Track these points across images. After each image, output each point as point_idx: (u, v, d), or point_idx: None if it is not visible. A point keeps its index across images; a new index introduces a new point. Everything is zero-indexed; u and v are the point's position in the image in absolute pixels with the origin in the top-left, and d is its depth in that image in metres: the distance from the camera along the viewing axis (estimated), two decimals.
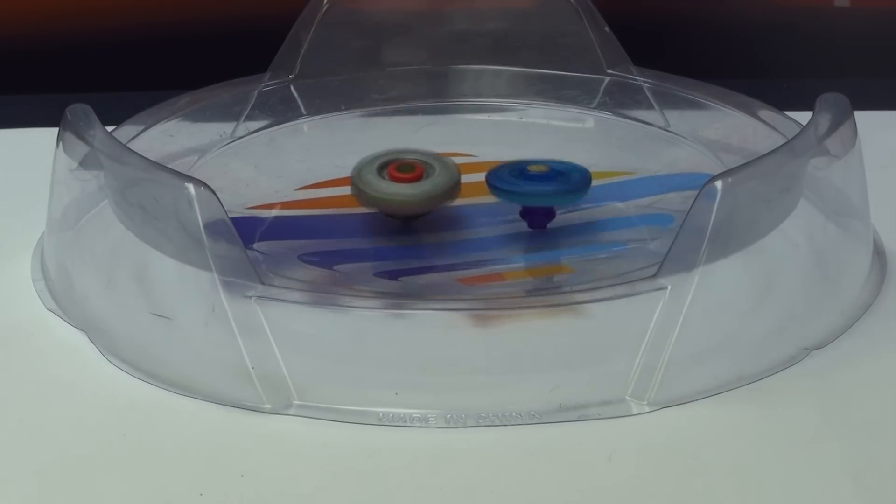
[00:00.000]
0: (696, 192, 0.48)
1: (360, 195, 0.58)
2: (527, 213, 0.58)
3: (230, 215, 0.49)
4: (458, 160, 0.63)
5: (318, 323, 0.50)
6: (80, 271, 0.55)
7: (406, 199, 0.57)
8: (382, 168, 0.58)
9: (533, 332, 0.50)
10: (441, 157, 0.59)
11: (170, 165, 0.55)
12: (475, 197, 0.60)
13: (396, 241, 0.58)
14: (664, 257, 0.48)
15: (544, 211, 0.58)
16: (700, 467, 0.45)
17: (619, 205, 0.61)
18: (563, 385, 0.48)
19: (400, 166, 0.58)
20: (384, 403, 0.47)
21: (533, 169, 0.58)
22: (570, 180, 0.58)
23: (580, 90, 0.69)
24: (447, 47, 0.70)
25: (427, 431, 0.47)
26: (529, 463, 0.45)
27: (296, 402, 0.48)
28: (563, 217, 0.59)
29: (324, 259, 0.56)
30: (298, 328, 0.49)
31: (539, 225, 0.58)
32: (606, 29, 0.69)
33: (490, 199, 0.60)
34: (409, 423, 0.47)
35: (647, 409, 0.48)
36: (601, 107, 0.68)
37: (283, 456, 0.46)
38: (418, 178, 0.58)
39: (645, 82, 0.68)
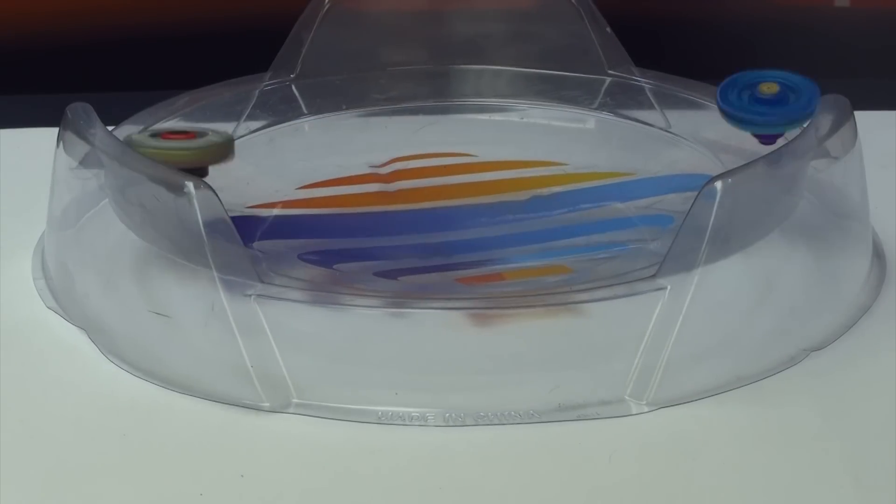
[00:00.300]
0: (697, 193, 0.48)
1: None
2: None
3: (230, 214, 0.49)
4: (458, 160, 0.63)
5: (318, 322, 0.50)
6: (81, 270, 0.55)
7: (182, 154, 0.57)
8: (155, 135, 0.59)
9: (532, 332, 0.50)
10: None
11: None
12: (475, 197, 0.60)
13: (397, 240, 0.58)
14: (664, 258, 0.48)
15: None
16: (699, 467, 0.45)
17: (620, 205, 0.61)
18: (563, 385, 0.48)
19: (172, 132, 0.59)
20: (383, 402, 0.47)
21: (765, 90, 0.58)
22: (800, 101, 0.57)
23: (581, 90, 0.69)
24: (448, 47, 0.70)
25: (426, 430, 0.47)
26: (528, 462, 0.45)
27: (295, 400, 0.48)
28: (563, 217, 0.59)
29: (324, 258, 0.56)
30: (298, 327, 0.49)
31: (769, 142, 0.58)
32: (608, 29, 0.69)
33: (490, 199, 0.60)
34: (408, 422, 0.47)
35: (646, 409, 0.48)
36: (602, 107, 0.68)
37: (283, 455, 0.46)
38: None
39: (646, 83, 0.68)
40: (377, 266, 0.56)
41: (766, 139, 0.58)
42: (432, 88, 0.69)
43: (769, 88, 0.58)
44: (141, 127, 0.61)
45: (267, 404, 0.48)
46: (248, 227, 0.57)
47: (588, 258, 0.57)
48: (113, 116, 0.59)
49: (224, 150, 0.59)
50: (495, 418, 0.47)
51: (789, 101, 0.57)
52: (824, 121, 0.53)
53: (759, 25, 0.87)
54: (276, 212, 0.61)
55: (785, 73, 0.58)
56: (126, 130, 0.60)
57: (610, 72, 0.69)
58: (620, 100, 0.68)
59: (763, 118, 0.57)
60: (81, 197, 0.55)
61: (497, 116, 0.69)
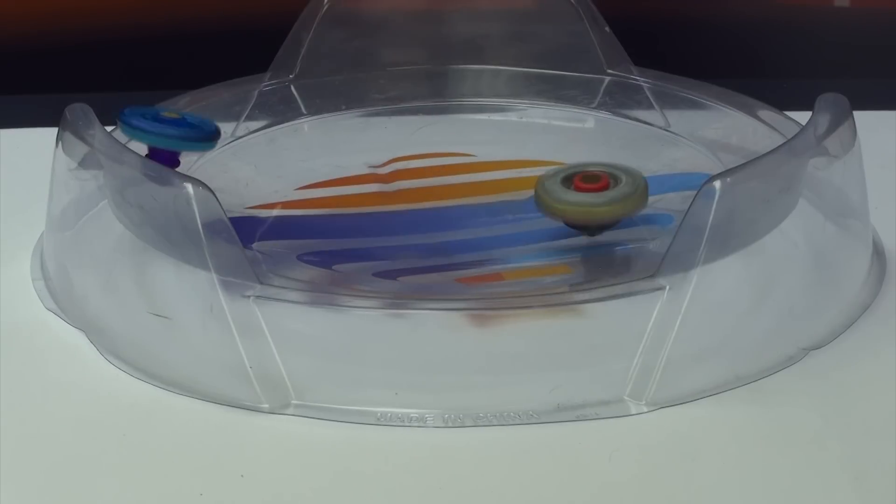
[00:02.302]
0: (695, 192, 0.48)
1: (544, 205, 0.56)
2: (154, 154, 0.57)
3: (230, 215, 0.49)
4: (457, 160, 0.63)
5: (317, 323, 0.50)
6: (80, 271, 0.55)
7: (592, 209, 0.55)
8: (567, 180, 0.56)
9: (531, 333, 0.50)
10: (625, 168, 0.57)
11: None
12: (475, 197, 0.60)
13: (396, 240, 0.58)
14: (663, 257, 0.48)
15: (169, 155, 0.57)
16: (699, 467, 0.45)
17: None
18: (562, 385, 0.48)
19: (585, 177, 0.56)
20: (382, 403, 0.47)
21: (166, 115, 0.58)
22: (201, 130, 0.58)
23: (580, 90, 0.69)
24: (447, 47, 0.70)
25: (425, 431, 0.47)
26: (527, 463, 0.45)
27: (294, 401, 0.48)
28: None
29: (323, 259, 0.56)
30: (297, 328, 0.49)
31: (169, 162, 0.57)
32: (607, 29, 0.69)
33: (490, 199, 0.60)
34: (407, 423, 0.47)
35: (645, 410, 0.48)
36: (601, 107, 0.68)
37: (282, 456, 0.46)
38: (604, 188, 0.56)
39: (645, 82, 0.68)
40: (376, 266, 0.56)
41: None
42: (431, 88, 0.69)
43: (171, 115, 0.58)
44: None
45: (266, 405, 0.48)
46: (247, 228, 0.57)
47: (587, 258, 0.57)
48: (113, 117, 0.59)
49: (642, 199, 0.56)
50: (495, 419, 0.47)
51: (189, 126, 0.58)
52: (823, 120, 0.53)
53: (759, 25, 0.87)
54: (275, 212, 0.61)
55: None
56: None
57: (609, 71, 0.69)
58: (619, 99, 0.68)
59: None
60: (80, 198, 0.55)
61: (496, 116, 0.69)
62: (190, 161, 0.63)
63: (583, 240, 0.58)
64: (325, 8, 0.68)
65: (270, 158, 0.65)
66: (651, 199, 0.58)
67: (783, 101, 0.63)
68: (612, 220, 0.56)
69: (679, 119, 0.66)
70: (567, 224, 0.56)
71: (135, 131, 0.57)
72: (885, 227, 0.59)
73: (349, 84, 0.69)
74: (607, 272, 0.55)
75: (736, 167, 0.50)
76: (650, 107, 0.67)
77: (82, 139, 0.53)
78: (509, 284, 0.55)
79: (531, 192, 0.58)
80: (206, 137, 0.58)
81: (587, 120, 0.68)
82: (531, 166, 0.62)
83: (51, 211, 0.57)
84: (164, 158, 0.56)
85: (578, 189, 0.56)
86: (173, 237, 0.50)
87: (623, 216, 0.56)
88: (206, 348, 0.49)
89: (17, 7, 0.84)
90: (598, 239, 0.57)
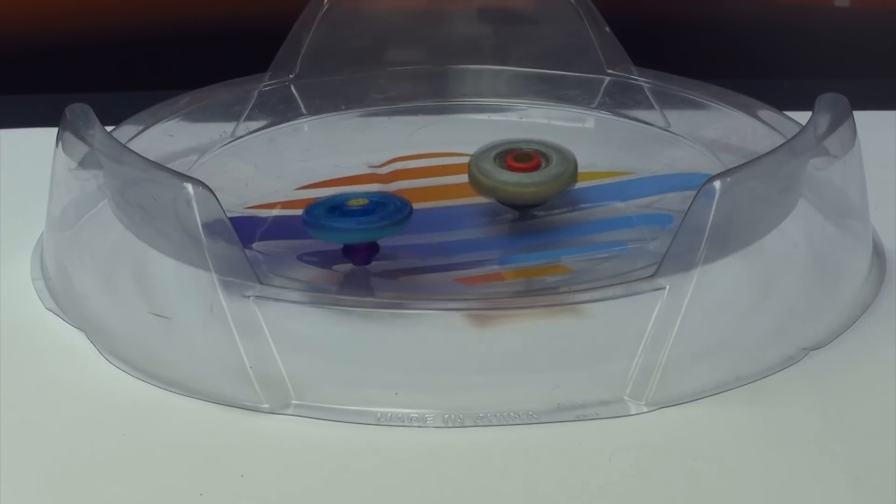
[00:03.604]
0: (695, 192, 0.48)
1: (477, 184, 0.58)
2: (348, 251, 0.56)
3: (230, 215, 0.49)
4: (457, 160, 0.63)
5: (317, 323, 0.50)
6: (80, 271, 0.55)
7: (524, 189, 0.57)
8: (500, 157, 0.58)
9: (531, 333, 0.50)
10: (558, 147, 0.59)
11: (169, 165, 0.55)
12: (475, 197, 0.60)
13: (396, 240, 0.58)
14: (662, 257, 0.48)
15: (367, 247, 0.56)
16: (699, 467, 0.45)
17: (619, 205, 0.60)
18: (562, 385, 0.48)
19: (517, 156, 0.58)
20: (382, 403, 0.47)
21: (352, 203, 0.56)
22: (390, 212, 0.56)
23: (580, 90, 0.69)
24: (447, 47, 0.70)
25: (425, 431, 0.47)
26: (527, 463, 0.45)
27: (294, 401, 0.48)
28: (562, 217, 0.59)
29: (323, 259, 0.56)
30: (297, 328, 0.49)
31: (364, 261, 0.56)
32: (607, 29, 0.69)
33: (489, 199, 0.60)
34: (407, 423, 0.47)
35: (645, 410, 0.48)
36: (601, 107, 0.68)
37: (282, 456, 0.46)
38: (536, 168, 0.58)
39: (645, 82, 0.68)
40: (376, 266, 0.56)
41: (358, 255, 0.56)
42: (431, 88, 0.69)
43: (357, 202, 0.56)
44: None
45: (266, 405, 0.48)
46: (247, 228, 0.57)
47: (587, 258, 0.57)
48: (113, 116, 0.59)
49: (571, 179, 0.58)
50: (495, 419, 0.47)
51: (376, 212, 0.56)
52: (823, 120, 0.53)
53: (759, 25, 0.87)
54: (275, 212, 0.61)
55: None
56: (126, 130, 0.61)
57: (609, 71, 0.69)
58: (619, 99, 0.68)
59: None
60: (80, 198, 0.55)
61: (496, 116, 0.69)
62: (190, 161, 0.63)
63: (583, 240, 0.58)
64: (325, 8, 0.68)
65: (270, 158, 0.65)
66: (651, 199, 0.59)
67: (783, 101, 0.63)
68: (542, 200, 0.58)
69: (679, 119, 0.66)
70: (499, 202, 0.58)
71: (328, 232, 0.55)
72: (885, 227, 0.59)
73: (349, 84, 0.69)
74: (607, 272, 0.55)
75: (736, 167, 0.50)
76: (650, 107, 0.67)
77: (82, 139, 0.53)
78: (509, 284, 0.55)
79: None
80: (400, 221, 0.55)
81: (587, 120, 0.68)
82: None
83: (51, 211, 0.57)
84: (363, 248, 0.55)
85: (511, 168, 0.58)
86: (173, 237, 0.50)
87: (552, 196, 0.58)
88: (206, 348, 0.49)
89: (17, 7, 0.84)
90: (599, 239, 0.57)
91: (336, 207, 0.55)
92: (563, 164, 0.58)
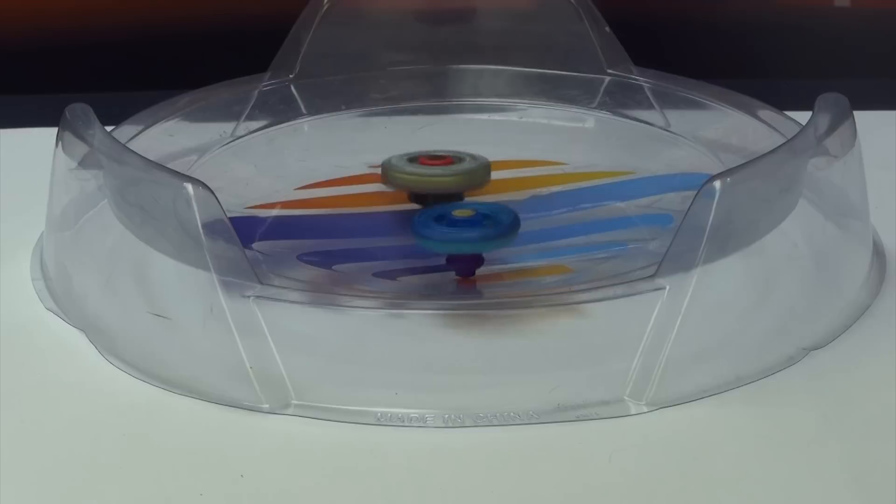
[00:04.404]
0: (695, 192, 0.48)
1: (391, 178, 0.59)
2: (452, 261, 0.56)
3: (230, 215, 0.49)
4: None
5: (317, 323, 0.50)
6: (80, 271, 0.55)
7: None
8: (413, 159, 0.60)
9: (531, 333, 0.50)
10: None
11: (169, 165, 0.55)
12: (475, 197, 0.60)
13: (396, 240, 0.58)
14: (662, 257, 0.48)
15: (472, 258, 0.56)
16: (698, 468, 0.45)
17: (619, 205, 0.60)
18: (562, 385, 0.48)
19: (430, 157, 0.60)
20: (382, 403, 0.47)
21: (458, 214, 0.57)
22: (498, 224, 0.56)
23: (580, 90, 0.69)
24: (447, 47, 0.70)
25: (425, 431, 0.47)
26: (527, 463, 0.45)
27: (294, 401, 0.48)
28: (562, 217, 0.59)
29: (323, 259, 0.56)
30: (297, 328, 0.49)
31: (468, 272, 0.56)
32: (607, 29, 0.69)
33: (490, 199, 0.60)
34: (407, 423, 0.47)
35: (645, 410, 0.47)
36: (601, 107, 0.68)
37: (282, 456, 0.46)
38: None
39: (645, 82, 0.68)
40: (376, 266, 0.56)
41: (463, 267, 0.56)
42: (431, 88, 0.69)
43: (463, 213, 0.57)
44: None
45: (266, 405, 0.48)
46: (246, 228, 0.57)
47: (588, 258, 0.57)
48: (113, 116, 0.59)
49: (482, 175, 0.60)
50: (494, 419, 0.47)
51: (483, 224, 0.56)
52: (823, 119, 0.53)
53: (759, 25, 0.87)
54: (275, 212, 0.61)
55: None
56: (126, 130, 0.61)
57: (609, 71, 0.69)
58: (619, 99, 0.68)
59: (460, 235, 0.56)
60: (80, 198, 0.55)
61: (496, 116, 0.69)
62: (190, 161, 0.63)
63: (583, 239, 0.58)
64: (325, 8, 0.68)
65: (270, 158, 0.65)
66: (651, 199, 0.59)
67: (783, 101, 0.63)
68: (453, 191, 0.59)
69: (679, 119, 0.66)
70: (411, 193, 0.59)
71: (433, 242, 0.56)
72: (885, 227, 0.59)
73: (349, 84, 0.69)
74: (607, 272, 0.55)
75: (736, 167, 0.50)
76: (650, 107, 0.67)
77: (82, 139, 0.53)
78: (510, 284, 0.55)
79: (531, 193, 0.58)
80: (506, 233, 0.56)
81: (587, 120, 0.68)
82: (531, 166, 0.62)
83: (51, 211, 0.57)
84: (467, 258, 0.55)
85: (423, 164, 0.59)
86: (173, 237, 0.50)
87: (462, 188, 0.59)
88: (206, 348, 0.49)
89: (17, 7, 0.84)
90: (599, 239, 0.57)
91: (442, 217, 0.56)
92: (475, 162, 0.60)
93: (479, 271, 0.56)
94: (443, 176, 0.59)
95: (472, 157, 0.60)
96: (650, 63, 0.69)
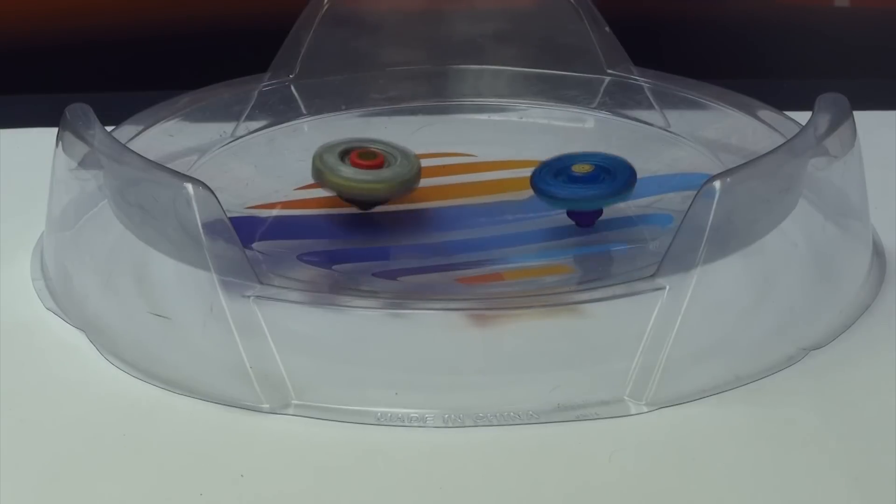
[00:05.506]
0: (695, 192, 0.48)
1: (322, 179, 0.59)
2: (574, 215, 0.58)
3: (230, 215, 0.49)
4: (457, 160, 0.63)
5: (317, 323, 0.50)
6: (80, 271, 0.55)
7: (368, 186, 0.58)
8: (345, 154, 0.59)
9: (531, 333, 0.50)
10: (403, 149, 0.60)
11: (170, 165, 0.55)
12: (475, 197, 0.60)
13: (396, 240, 0.58)
14: (662, 257, 0.48)
15: (592, 212, 0.58)
16: (698, 467, 0.45)
17: (620, 205, 0.60)
18: (562, 385, 0.48)
19: (362, 154, 0.59)
20: (382, 403, 0.47)
21: (577, 169, 0.57)
22: (616, 179, 0.57)
23: (580, 90, 0.69)
24: (447, 47, 0.70)
25: (425, 431, 0.47)
26: (528, 463, 0.45)
27: (294, 401, 0.48)
28: (562, 217, 0.59)
29: (323, 259, 0.56)
30: (297, 328, 0.49)
31: (587, 224, 0.58)
32: (607, 29, 0.69)
33: (490, 199, 0.60)
34: (407, 423, 0.47)
35: (645, 410, 0.48)
36: (601, 107, 0.68)
37: (282, 456, 0.46)
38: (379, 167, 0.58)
39: (645, 82, 0.68)
40: (376, 266, 0.56)
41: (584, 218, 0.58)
42: (431, 88, 0.69)
43: (582, 168, 0.57)
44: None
45: (266, 405, 0.48)
46: (247, 228, 0.57)
47: (588, 258, 0.57)
48: (113, 116, 0.59)
49: (414, 180, 0.59)
50: (495, 419, 0.47)
51: (602, 179, 0.57)
52: (823, 120, 0.53)
53: (759, 25, 0.87)
54: (275, 212, 0.61)
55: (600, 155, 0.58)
56: (126, 130, 0.61)
57: (609, 71, 0.69)
58: (619, 99, 0.68)
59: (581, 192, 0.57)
60: (80, 198, 0.55)
61: (496, 116, 0.69)
62: (190, 161, 0.63)
63: (583, 239, 0.58)
64: (325, 8, 0.68)
65: (270, 158, 0.65)
66: (651, 199, 0.59)
67: (783, 101, 0.63)
68: (385, 198, 0.59)
69: (679, 119, 0.66)
70: (341, 197, 0.59)
71: (551, 200, 0.57)
72: (885, 227, 0.59)
73: (349, 84, 0.69)
74: (607, 272, 0.55)
75: (736, 167, 0.50)
76: (650, 107, 0.67)
77: (82, 139, 0.53)
78: (509, 284, 0.55)
79: (531, 193, 0.58)
80: (622, 189, 0.57)
81: (587, 120, 0.68)
82: (531, 166, 0.62)
83: (51, 211, 0.57)
84: (589, 212, 0.58)
85: (354, 164, 0.58)
86: (173, 237, 0.50)
87: (395, 195, 0.59)
88: (206, 348, 0.49)
89: (17, 7, 0.84)
90: (599, 239, 0.57)
91: (561, 172, 0.57)
92: (407, 165, 0.59)
93: (479, 271, 0.56)
94: (370, 182, 0.58)
95: (402, 152, 0.60)
96: (650, 63, 0.69)
